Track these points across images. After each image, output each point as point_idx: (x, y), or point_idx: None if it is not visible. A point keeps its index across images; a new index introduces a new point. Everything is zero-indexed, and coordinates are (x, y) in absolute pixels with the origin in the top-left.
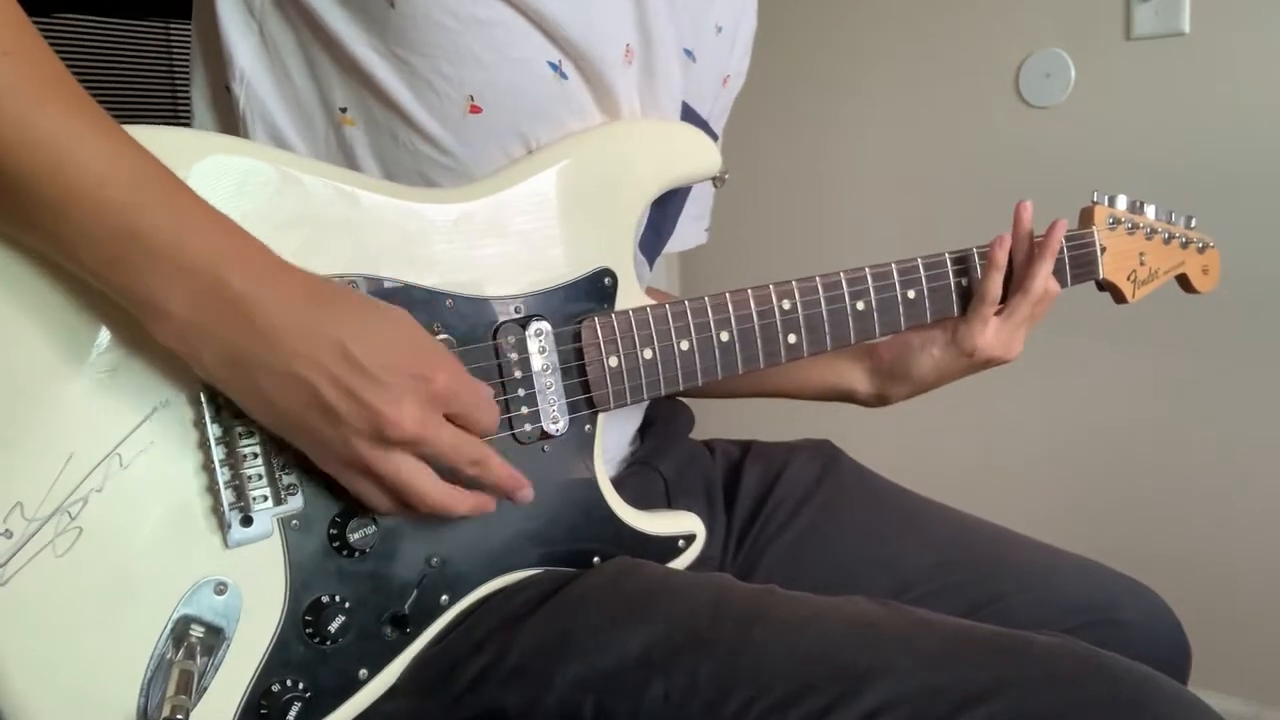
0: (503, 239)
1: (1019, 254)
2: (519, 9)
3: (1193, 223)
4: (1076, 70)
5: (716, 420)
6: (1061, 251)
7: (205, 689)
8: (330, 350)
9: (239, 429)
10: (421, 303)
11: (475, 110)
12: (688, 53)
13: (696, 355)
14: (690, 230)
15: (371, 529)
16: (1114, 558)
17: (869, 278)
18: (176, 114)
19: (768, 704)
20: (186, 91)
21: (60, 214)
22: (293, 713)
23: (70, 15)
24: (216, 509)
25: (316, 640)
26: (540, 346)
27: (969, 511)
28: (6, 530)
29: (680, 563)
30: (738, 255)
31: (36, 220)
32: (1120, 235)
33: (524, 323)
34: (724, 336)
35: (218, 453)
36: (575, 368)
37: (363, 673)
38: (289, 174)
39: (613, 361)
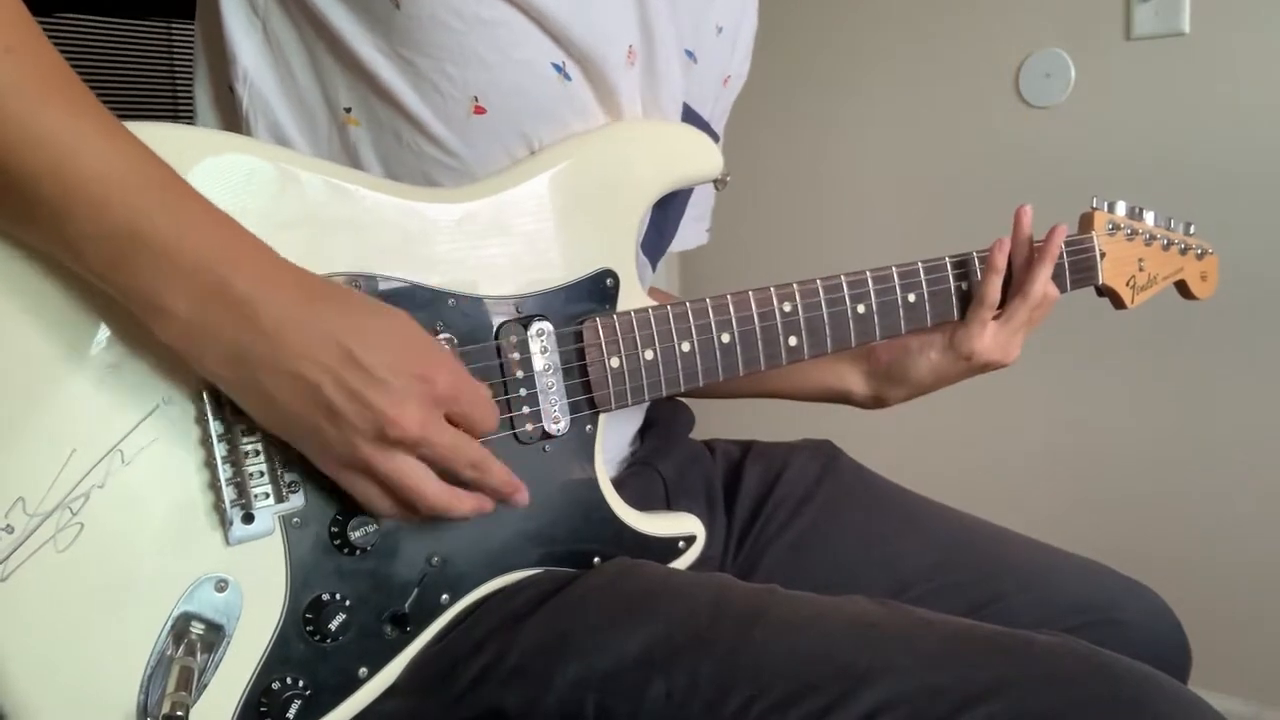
0: (505, 239)
1: (1018, 258)
2: (523, 10)
3: (1191, 229)
4: (1076, 70)
5: (717, 420)
6: (1061, 257)
7: (205, 686)
8: (333, 350)
9: (241, 426)
10: (423, 302)
11: (479, 111)
12: (689, 54)
13: (698, 356)
14: (691, 231)
15: (372, 527)
16: (1114, 558)
17: (870, 281)
18: (178, 114)
19: (768, 703)
20: (188, 91)
21: (62, 213)
22: (292, 710)
23: (72, 15)
24: (218, 506)
25: (317, 638)
26: (542, 347)
27: (969, 511)
28: (8, 525)
29: (680, 564)
30: (738, 255)
31: (39, 218)
32: (1119, 241)
33: (526, 323)
34: (725, 338)
35: (219, 450)
36: (577, 368)
37: (362, 671)
38: (292, 173)
39: (614, 362)
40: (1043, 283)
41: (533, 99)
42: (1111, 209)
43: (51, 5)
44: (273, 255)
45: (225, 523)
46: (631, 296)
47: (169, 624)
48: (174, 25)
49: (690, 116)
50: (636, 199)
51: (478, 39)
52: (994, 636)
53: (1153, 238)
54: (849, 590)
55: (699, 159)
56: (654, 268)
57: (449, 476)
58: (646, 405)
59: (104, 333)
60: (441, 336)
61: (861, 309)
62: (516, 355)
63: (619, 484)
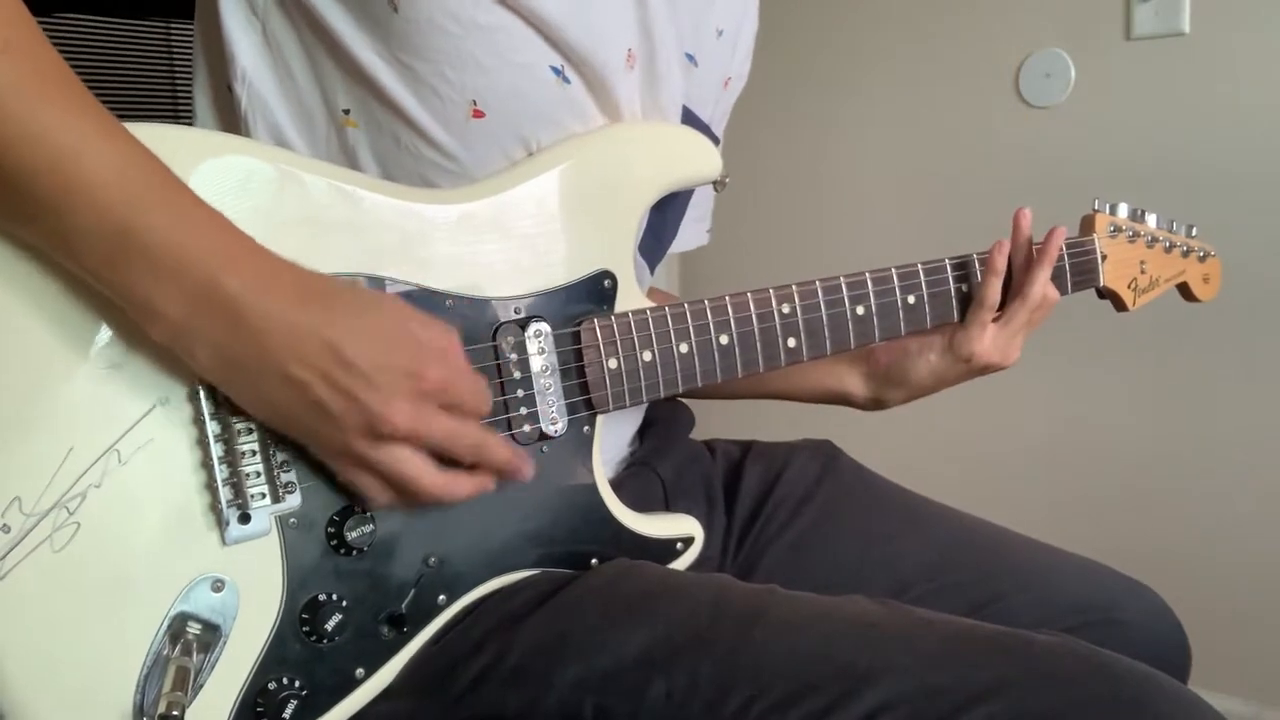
0: (503, 240)
1: (1018, 260)
2: (520, 14)
3: (1194, 231)
4: (1076, 70)
5: (717, 420)
6: (1063, 259)
7: (201, 686)
8: (323, 351)
9: (238, 426)
10: (421, 303)
11: (478, 115)
12: (689, 56)
13: (696, 358)
14: (691, 231)
15: (369, 528)
16: (1114, 558)
17: (869, 282)
18: (177, 114)
19: (768, 703)
20: (187, 91)
21: (59, 211)
22: (289, 711)
23: (71, 15)
24: (214, 506)
25: (313, 638)
26: (539, 348)
27: (969, 511)
28: (4, 525)
29: (678, 565)
30: (738, 256)
31: (35, 216)
32: (1121, 243)
33: (523, 324)
34: (723, 340)
35: (216, 450)
36: (574, 369)
37: (359, 672)
38: (290, 173)
39: (612, 363)
40: (1042, 285)
41: (531, 102)
42: (1113, 211)
43: (51, 5)
44: (269, 255)
45: (222, 523)
46: (630, 298)
47: (165, 624)
48: (173, 25)
49: (690, 119)
50: (635, 200)
51: (475, 43)
52: (994, 636)
53: (1155, 240)
54: (849, 590)
55: (698, 160)
56: (651, 271)
57: (452, 462)
58: (645, 406)
59: (103, 333)
60: None
61: (860, 311)
62: (514, 356)
63: (618, 484)
